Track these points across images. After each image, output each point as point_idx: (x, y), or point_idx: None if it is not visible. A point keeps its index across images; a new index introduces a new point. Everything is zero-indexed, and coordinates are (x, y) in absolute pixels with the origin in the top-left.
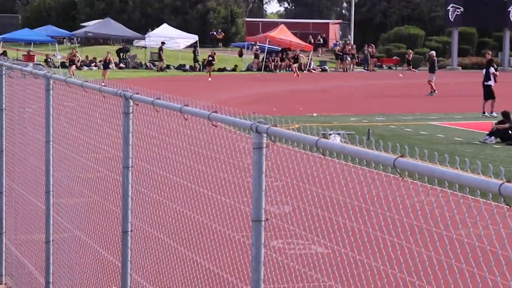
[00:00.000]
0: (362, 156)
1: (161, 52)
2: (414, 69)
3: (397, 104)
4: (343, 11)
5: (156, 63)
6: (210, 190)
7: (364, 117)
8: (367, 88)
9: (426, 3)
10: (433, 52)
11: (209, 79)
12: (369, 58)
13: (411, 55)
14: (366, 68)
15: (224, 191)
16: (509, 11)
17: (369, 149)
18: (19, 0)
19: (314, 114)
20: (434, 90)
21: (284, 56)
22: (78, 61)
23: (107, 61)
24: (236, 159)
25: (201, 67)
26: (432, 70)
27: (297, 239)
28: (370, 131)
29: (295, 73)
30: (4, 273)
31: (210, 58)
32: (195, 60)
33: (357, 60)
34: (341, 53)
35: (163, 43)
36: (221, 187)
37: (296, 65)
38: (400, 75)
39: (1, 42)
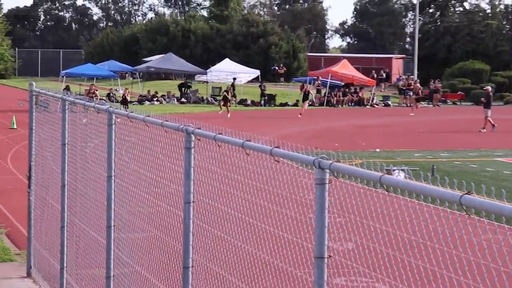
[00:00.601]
0: (427, 193)
1: (232, 87)
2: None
3: (461, 140)
4: (406, 45)
5: (217, 98)
6: (272, 226)
7: (428, 152)
8: (431, 123)
9: (491, 38)
10: (489, 88)
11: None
12: (433, 93)
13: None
14: (430, 103)
15: (286, 227)
16: None
17: (434, 186)
18: (82, 35)
19: (377, 150)
20: (494, 125)
21: (346, 91)
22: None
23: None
24: (298, 194)
25: (265, 102)
26: (487, 105)
27: (360, 277)
28: (435, 167)
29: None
30: None
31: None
32: (263, 95)
33: (421, 95)
34: (404, 88)
35: (234, 78)
36: (283, 223)
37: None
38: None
39: (64, 77)
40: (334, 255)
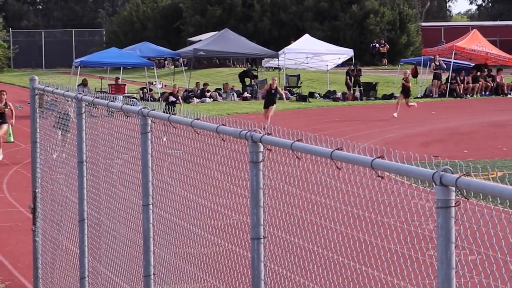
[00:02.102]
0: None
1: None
2: None
3: None
4: None
5: (294, 90)
6: (375, 269)
7: None
8: None
9: None
10: None
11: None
12: None
13: None
14: None
15: (396, 270)
16: None
17: None
18: (102, 9)
19: None
20: None
21: (478, 75)
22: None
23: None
24: (412, 223)
25: (360, 93)
26: None
27: None
28: None
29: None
30: None
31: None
32: (356, 83)
33: None
34: None
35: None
36: (393, 263)
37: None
38: None
39: (79, 67)
40: None
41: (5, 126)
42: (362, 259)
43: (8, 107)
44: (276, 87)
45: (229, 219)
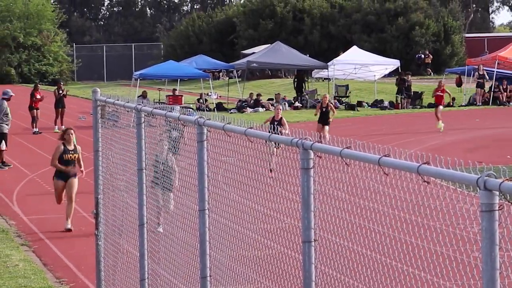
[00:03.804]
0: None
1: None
2: None
3: None
4: None
5: (343, 99)
6: (422, 270)
7: None
8: None
9: None
10: None
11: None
12: None
13: None
14: None
15: (442, 271)
16: None
17: None
18: (160, 24)
19: None
20: None
21: None
22: None
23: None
24: (457, 226)
25: (407, 102)
26: None
27: None
28: None
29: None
30: None
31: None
32: (403, 91)
33: None
34: None
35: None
36: (439, 265)
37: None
38: None
39: (139, 80)
40: None
41: (75, 182)
42: (409, 260)
43: (78, 153)
44: (328, 104)
45: (281, 223)
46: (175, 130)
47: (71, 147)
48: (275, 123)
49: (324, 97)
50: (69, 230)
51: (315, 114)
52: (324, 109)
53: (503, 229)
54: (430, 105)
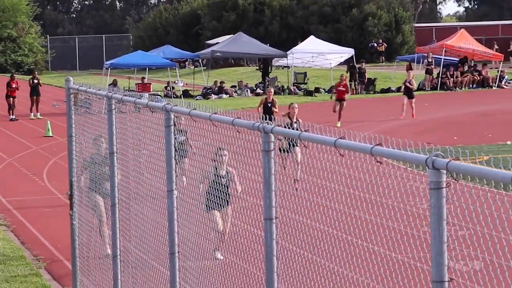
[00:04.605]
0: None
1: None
2: None
3: None
4: None
5: (301, 86)
6: (376, 244)
7: None
8: None
9: None
10: None
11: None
12: None
13: None
14: None
15: (394, 245)
16: None
17: None
18: (129, 16)
19: (508, 142)
20: None
21: (466, 70)
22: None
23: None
24: (408, 203)
25: (360, 89)
26: None
27: None
28: None
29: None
30: None
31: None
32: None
33: None
34: None
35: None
36: (390, 239)
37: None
38: None
39: (109, 69)
40: (457, 278)
41: None
42: (364, 235)
43: None
44: (273, 99)
45: (244, 202)
46: (180, 134)
47: None
48: (269, 104)
49: (269, 92)
50: None
51: (258, 108)
52: (269, 104)
53: (450, 205)
54: (382, 91)
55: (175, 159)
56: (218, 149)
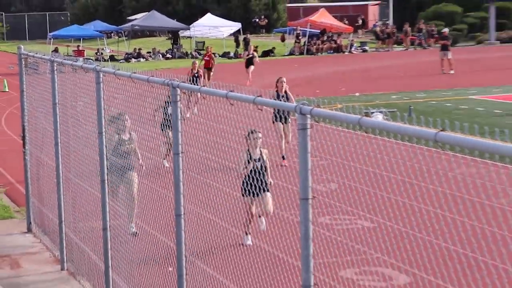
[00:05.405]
0: (403, 132)
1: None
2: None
3: (436, 80)
4: None
5: (201, 52)
6: (208, 177)
7: (405, 94)
8: (407, 66)
9: None
10: (446, 30)
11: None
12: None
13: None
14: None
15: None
16: None
17: (410, 125)
18: None
19: (357, 94)
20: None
21: (325, 39)
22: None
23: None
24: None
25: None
26: (445, 48)
27: (344, 215)
28: (412, 107)
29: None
30: (66, 260)
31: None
32: (237, 44)
33: (395, 40)
34: (383, 34)
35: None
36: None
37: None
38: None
39: (52, 39)
40: (318, 196)
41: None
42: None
43: None
44: (198, 70)
45: (156, 140)
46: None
47: None
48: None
49: (194, 63)
50: None
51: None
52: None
53: (313, 141)
54: (263, 54)
55: (162, 128)
56: (251, 132)
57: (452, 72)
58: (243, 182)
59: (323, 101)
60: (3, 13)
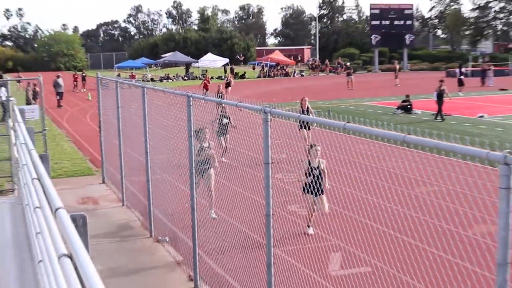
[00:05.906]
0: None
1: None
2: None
3: (344, 93)
4: (312, 40)
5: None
6: (232, 160)
7: (326, 101)
8: (330, 85)
9: (360, 34)
10: (348, 63)
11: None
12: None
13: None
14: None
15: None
16: (405, 38)
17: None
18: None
19: (297, 101)
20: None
21: (278, 68)
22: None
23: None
24: (255, 130)
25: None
26: (350, 74)
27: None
28: (330, 110)
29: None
30: (124, 199)
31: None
32: (225, 71)
33: (320, 69)
34: (313, 66)
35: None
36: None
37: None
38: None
39: (116, 69)
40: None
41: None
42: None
43: None
44: (222, 91)
45: (174, 129)
46: (225, 117)
47: None
48: (221, 92)
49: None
50: None
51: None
52: (220, 93)
53: (272, 129)
54: (241, 76)
55: (217, 134)
56: (311, 145)
57: (353, 88)
58: (303, 186)
59: (278, 105)
60: (88, 53)
